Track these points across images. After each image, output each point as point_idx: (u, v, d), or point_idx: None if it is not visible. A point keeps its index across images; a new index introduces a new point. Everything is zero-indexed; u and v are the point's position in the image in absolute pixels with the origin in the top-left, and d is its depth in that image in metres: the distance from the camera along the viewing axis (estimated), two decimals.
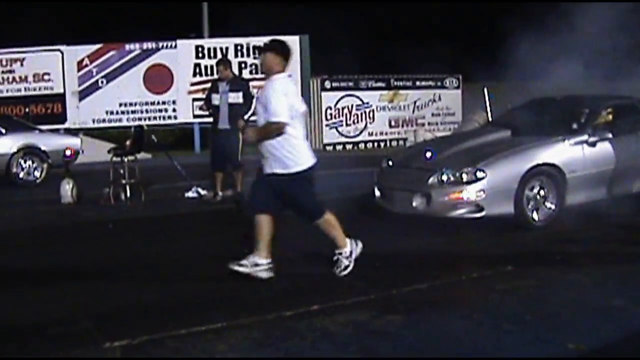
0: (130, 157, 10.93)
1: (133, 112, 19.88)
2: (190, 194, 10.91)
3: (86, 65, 19.66)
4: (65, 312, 5.16)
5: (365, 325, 4.68)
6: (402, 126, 22.15)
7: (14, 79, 19.31)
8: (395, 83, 22.30)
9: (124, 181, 10.77)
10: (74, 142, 14.47)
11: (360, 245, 5.98)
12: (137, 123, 16.66)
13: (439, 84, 22.70)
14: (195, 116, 19.41)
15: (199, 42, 20.91)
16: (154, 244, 7.66)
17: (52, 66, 19.41)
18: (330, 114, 21.58)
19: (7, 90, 19.26)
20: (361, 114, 21.88)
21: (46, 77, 19.42)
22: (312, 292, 5.44)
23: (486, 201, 7.37)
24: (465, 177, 7.44)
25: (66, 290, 5.78)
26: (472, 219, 7.42)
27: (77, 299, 5.51)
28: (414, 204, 7.64)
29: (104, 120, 19.83)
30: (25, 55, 19.32)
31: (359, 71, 21.77)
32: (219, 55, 19.18)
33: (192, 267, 6.47)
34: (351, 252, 5.89)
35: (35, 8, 23.98)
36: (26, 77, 19.33)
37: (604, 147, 8.03)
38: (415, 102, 22.37)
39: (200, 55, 20.10)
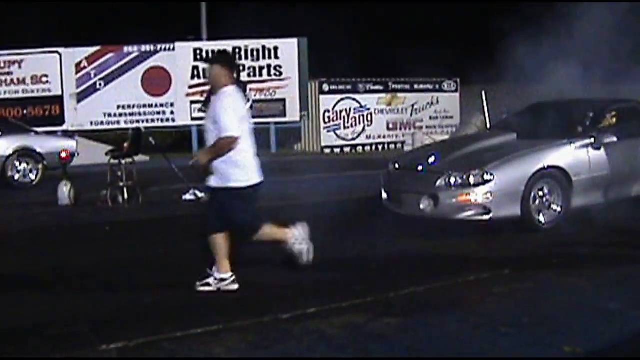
0: (128, 160, 10.93)
1: (131, 114, 19.90)
2: (187, 197, 10.89)
3: (84, 68, 19.67)
4: (62, 314, 5.15)
5: (362, 328, 4.67)
6: (400, 129, 22.14)
7: (12, 80, 19.32)
8: (394, 86, 22.31)
9: (121, 183, 10.77)
10: (70, 144, 14.45)
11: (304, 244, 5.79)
12: (135, 125, 16.66)
13: (437, 87, 22.71)
14: (193, 118, 19.44)
15: (197, 44, 20.95)
16: (151, 246, 7.66)
17: (50, 68, 19.43)
18: (328, 117, 21.59)
19: (5, 92, 19.29)
20: (359, 116, 21.89)
21: (44, 79, 19.44)
22: (308, 295, 5.42)
23: (493, 203, 7.39)
24: (472, 180, 7.45)
25: (63, 292, 5.78)
26: (480, 221, 7.44)
27: (74, 301, 5.51)
28: (422, 206, 7.65)
29: (102, 123, 19.84)
30: (23, 57, 19.33)
31: (356, 73, 21.76)
32: None
33: (189, 270, 6.44)
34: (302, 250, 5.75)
35: (33, 10, 24.00)
36: (24, 79, 19.35)
37: (609, 151, 8.06)
38: (413, 105, 22.38)
39: (198, 57, 20.09)
